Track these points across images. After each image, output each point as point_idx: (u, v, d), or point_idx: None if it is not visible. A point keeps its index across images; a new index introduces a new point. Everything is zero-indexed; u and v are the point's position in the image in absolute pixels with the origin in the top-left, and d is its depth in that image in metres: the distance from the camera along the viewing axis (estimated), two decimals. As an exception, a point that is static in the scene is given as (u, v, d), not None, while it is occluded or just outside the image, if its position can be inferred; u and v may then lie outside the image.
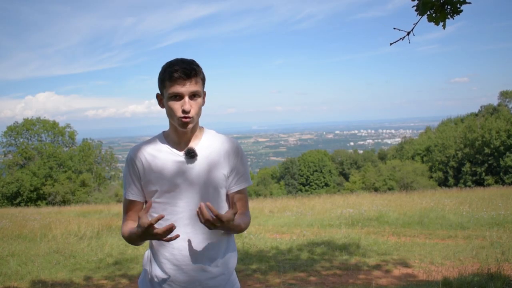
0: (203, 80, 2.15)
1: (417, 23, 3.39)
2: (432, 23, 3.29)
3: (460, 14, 3.25)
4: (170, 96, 2.08)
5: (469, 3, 3.22)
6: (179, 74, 2.04)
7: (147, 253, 2.24)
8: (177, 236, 2.00)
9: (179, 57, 2.14)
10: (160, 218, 1.94)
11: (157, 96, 2.19)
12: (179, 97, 2.06)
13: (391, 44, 3.52)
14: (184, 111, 2.05)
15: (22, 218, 15.01)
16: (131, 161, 2.18)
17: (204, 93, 2.20)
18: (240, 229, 2.19)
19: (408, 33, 3.44)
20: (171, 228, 1.94)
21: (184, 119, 2.06)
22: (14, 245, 9.41)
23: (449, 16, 3.26)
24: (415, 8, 3.28)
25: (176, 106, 2.07)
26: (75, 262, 7.86)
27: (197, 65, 2.11)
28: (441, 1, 3.25)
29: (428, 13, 3.27)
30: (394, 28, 3.44)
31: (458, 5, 3.23)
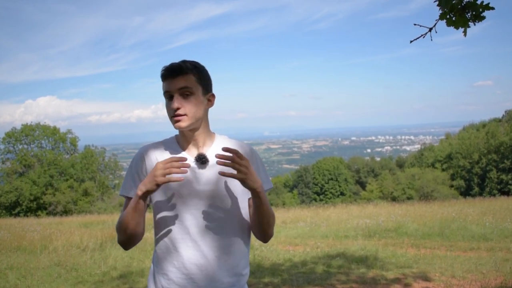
0: (199, 77, 2.12)
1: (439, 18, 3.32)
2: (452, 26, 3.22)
3: (483, 20, 3.16)
4: (165, 97, 2.12)
5: (492, 8, 3.12)
6: (166, 72, 2.08)
7: (152, 266, 2.24)
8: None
9: (188, 58, 2.16)
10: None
11: None
12: (171, 96, 2.09)
13: (411, 41, 3.46)
14: (172, 109, 2.07)
15: (21, 229, 15.06)
16: (141, 158, 2.18)
17: (213, 95, 2.20)
18: (267, 209, 2.12)
19: (430, 29, 3.35)
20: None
21: (174, 118, 2.08)
22: (13, 257, 9.46)
23: (470, 22, 3.18)
24: (437, 2, 3.22)
25: (169, 106, 2.10)
26: (77, 275, 7.90)
27: (189, 63, 2.12)
28: (462, 4, 3.17)
29: (448, 16, 3.20)
30: (415, 24, 3.36)
31: (480, 10, 3.13)
